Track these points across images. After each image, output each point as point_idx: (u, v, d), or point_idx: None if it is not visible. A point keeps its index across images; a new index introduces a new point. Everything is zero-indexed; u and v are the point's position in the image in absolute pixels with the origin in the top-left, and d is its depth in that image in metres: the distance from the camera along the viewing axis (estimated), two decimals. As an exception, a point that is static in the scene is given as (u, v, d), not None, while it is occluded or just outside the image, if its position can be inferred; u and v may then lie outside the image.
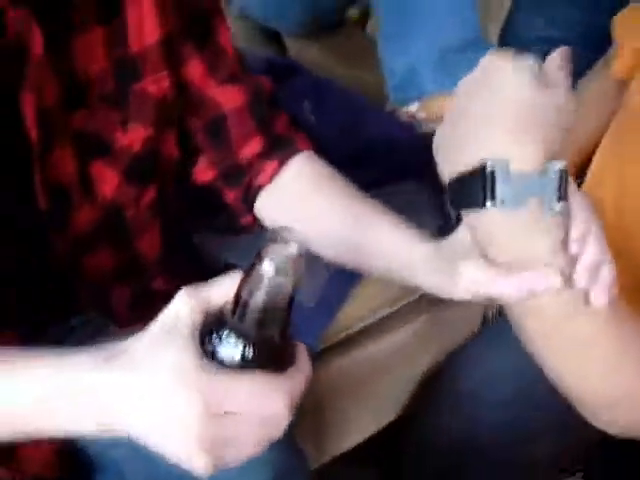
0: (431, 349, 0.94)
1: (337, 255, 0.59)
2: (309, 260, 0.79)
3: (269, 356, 0.35)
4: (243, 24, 1.23)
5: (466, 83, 0.45)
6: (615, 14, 0.78)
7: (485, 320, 0.99)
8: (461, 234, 0.46)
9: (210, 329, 0.36)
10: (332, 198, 0.58)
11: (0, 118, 0.47)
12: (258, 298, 0.34)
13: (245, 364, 0.35)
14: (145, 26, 0.52)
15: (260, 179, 0.60)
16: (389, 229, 0.54)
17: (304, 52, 1.25)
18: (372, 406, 0.94)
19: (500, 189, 0.40)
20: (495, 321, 0.98)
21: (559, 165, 0.40)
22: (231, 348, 0.35)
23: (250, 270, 0.34)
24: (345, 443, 0.93)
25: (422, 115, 0.94)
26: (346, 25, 1.31)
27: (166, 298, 0.43)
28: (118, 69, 0.53)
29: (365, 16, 1.38)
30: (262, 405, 0.34)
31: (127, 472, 0.60)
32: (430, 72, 0.90)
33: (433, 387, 0.92)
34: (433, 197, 0.83)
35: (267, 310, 0.34)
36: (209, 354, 0.35)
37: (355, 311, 0.84)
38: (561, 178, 0.40)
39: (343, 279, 0.79)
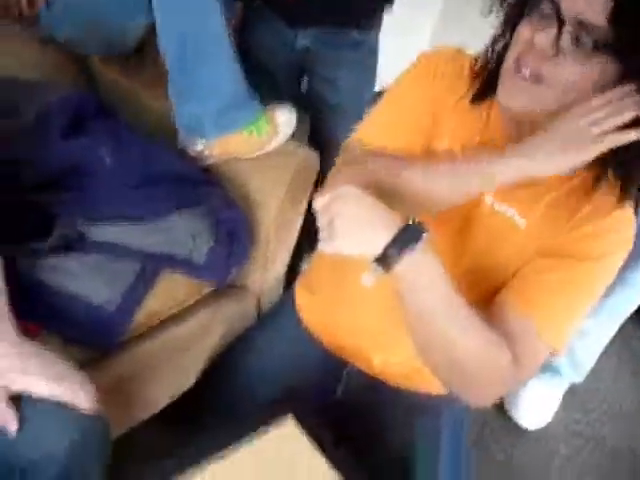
0: (215, 333, 1.21)
1: None
2: (109, 275, 1.00)
3: None
4: (51, 48, 1.33)
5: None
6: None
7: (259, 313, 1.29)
8: None
9: None
10: None
11: None
12: None
13: None
14: None
15: None
16: None
17: (109, 76, 1.39)
18: (171, 379, 1.18)
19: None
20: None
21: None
22: None
23: None
24: (150, 409, 1.16)
25: (206, 152, 1.19)
26: (148, 48, 1.36)
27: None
28: None
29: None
30: None
31: None
32: (211, 123, 1.14)
33: (222, 365, 1.15)
34: (209, 219, 1.09)
35: None
36: None
37: (152, 310, 1.07)
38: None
39: (139, 288, 1.03)
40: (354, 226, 0.67)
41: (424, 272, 0.68)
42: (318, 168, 1.24)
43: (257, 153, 1.21)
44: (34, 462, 0.71)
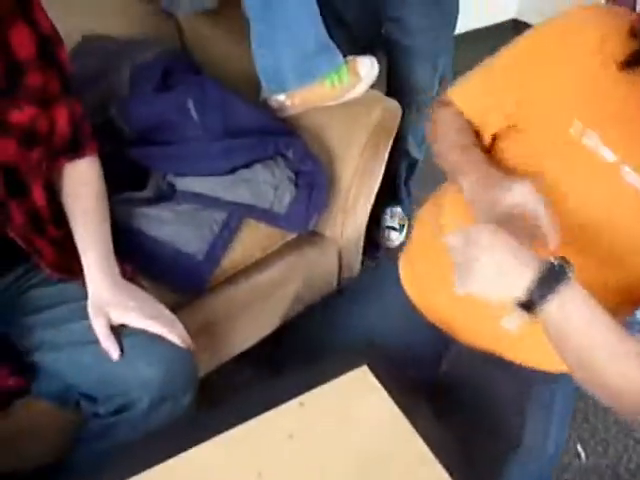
0: (296, 280, 1.26)
1: None
2: (197, 223, 1.06)
3: None
4: (144, 7, 1.38)
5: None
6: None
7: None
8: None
9: None
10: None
11: None
12: None
13: None
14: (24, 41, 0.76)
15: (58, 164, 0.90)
16: None
17: (196, 30, 1.43)
18: (254, 323, 1.26)
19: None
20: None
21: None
22: None
23: None
24: (234, 350, 1.24)
25: (288, 103, 1.21)
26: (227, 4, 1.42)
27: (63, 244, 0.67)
28: (9, 71, 0.76)
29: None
30: None
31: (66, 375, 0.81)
32: (292, 73, 1.15)
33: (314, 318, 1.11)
34: (289, 170, 1.12)
35: None
36: None
37: (236, 257, 1.14)
38: None
39: (225, 236, 1.08)
40: (493, 271, 0.61)
41: (572, 311, 0.61)
42: (399, 118, 1.22)
43: (338, 102, 1.21)
44: (131, 389, 0.80)
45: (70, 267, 0.86)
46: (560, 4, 0.83)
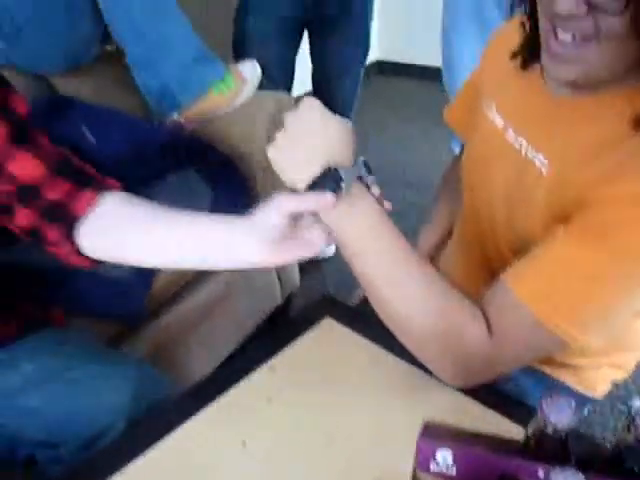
0: (238, 294, 1.21)
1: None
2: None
3: None
4: (10, 73, 1.35)
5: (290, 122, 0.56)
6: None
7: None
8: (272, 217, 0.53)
9: None
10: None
11: None
12: None
13: None
14: None
15: (77, 209, 0.59)
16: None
17: (70, 87, 1.40)
18: (207, 346, 1.18)
19: (345, 180, 0.54)
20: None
21: (362, 158, 0.56)
22: None
23: None
24: (193, 376, 1.13)
25: (182, 120, 1.21)
26: (105, 58, 1.40)
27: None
28: None
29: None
30: None
31: None
32: (177, 87, 1.17)
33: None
34: (204, 180, 1.11)
35: None
36: None
37: (169, 277, 1.09)
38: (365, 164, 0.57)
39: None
40: (296, 153, 0.56)
41: (346, 221, 0.56)
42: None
43: (230, 108, 1.23)
44: (98, 419, 0.73)
45: None
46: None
